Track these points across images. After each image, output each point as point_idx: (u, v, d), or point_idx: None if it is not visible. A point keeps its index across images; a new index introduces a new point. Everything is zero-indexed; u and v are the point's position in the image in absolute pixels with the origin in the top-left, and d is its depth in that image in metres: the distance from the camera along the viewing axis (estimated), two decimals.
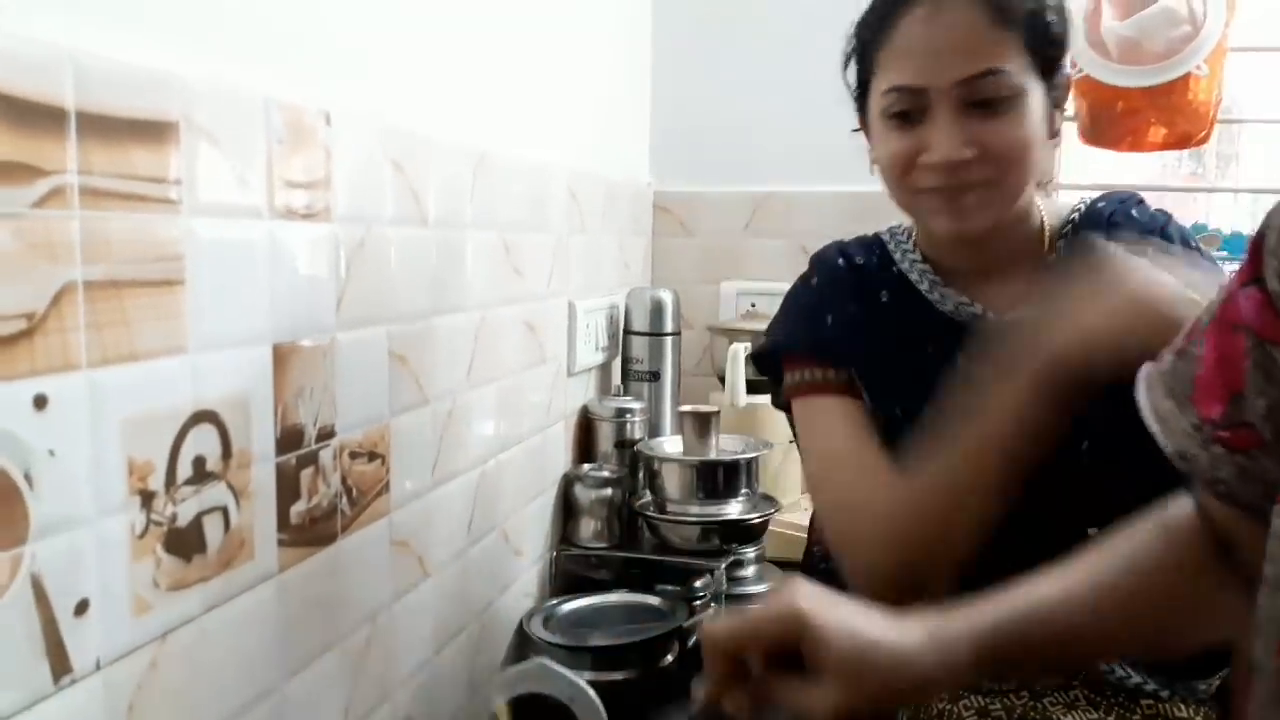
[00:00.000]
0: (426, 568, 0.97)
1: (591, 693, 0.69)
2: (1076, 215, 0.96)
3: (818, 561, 1.13)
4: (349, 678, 0.85)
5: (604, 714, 0.68)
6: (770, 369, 1.05)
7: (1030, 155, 0.87)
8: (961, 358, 0.91)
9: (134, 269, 0.60)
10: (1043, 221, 0.95)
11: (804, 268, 1.07)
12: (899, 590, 0.88)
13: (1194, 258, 0.90)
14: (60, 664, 0.56)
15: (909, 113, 0.87)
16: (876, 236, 1.05)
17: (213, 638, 0.68)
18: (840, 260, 1.03)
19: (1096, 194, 0.99)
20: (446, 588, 1.02)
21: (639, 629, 1.18)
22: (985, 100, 0.85)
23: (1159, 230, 0.93)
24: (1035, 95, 0.86)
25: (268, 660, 0.74)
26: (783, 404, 1.05)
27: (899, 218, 1.01)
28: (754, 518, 1.31)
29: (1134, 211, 0.95)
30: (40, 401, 0.54)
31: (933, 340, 0.95)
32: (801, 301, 1.04)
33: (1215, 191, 1.98)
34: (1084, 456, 0.88)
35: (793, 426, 1.06)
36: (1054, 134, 0.91)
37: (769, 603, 0.62)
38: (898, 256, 1.00)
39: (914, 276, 0.98)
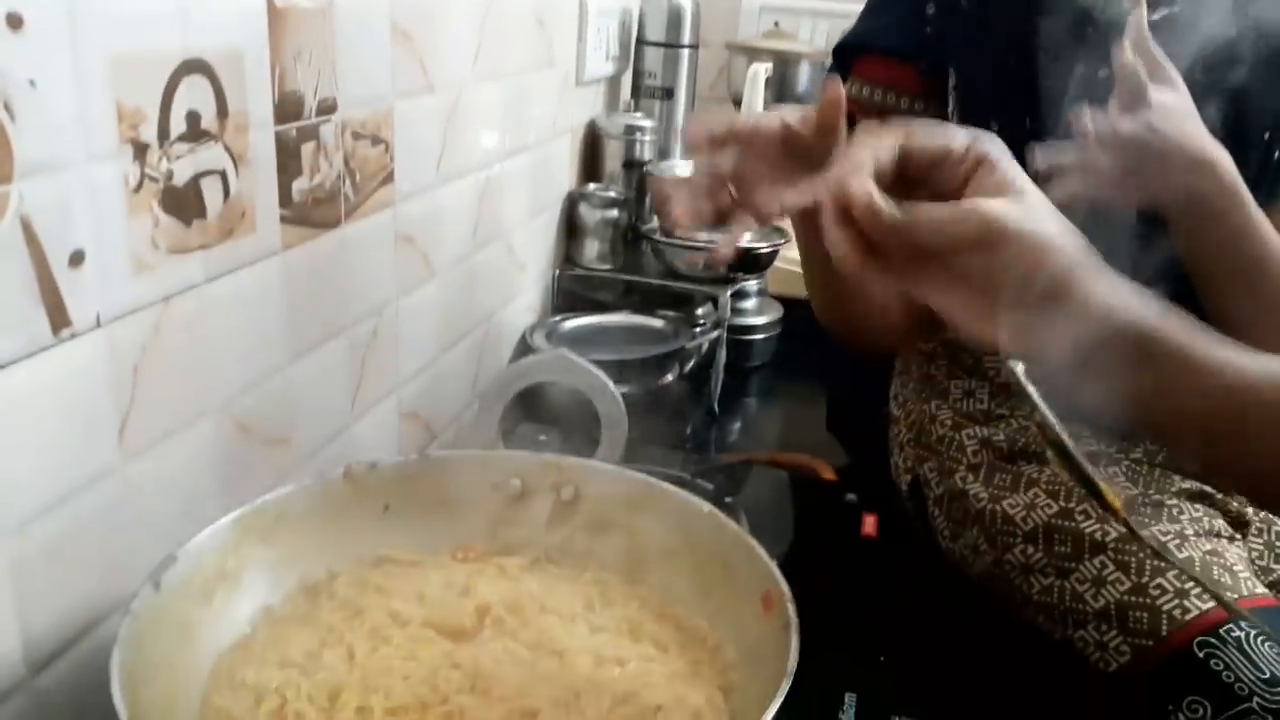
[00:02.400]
0: (432, 267, 0.94)
1: (611, 385, 0.68)
2: None
3: None
4: (355, 367, 0.83)
5: (623, 406, 0.67)
6: (843, 68, 0.93)
7: None
8: (1090, 64, 0.83)
9: None
10: None
11: None
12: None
13: None
14: (58, 315, 0.53)
15: None
16: None
17: (217, 309, 0.65)
18: None
19: None
20: (451, 291, 0.99)
21: (640, 349, 1.18)
22: None
23: None
24: None
25: (274, 339, 0.72)
26: None
27: None
28: (763, 247, 1.28)
29: None
30: (15, 21, 0.48)
31: (1057, 40, 0.83)
32: None
33: None
34: None
35: None
36: None
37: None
38: None
39: None
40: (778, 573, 0.56)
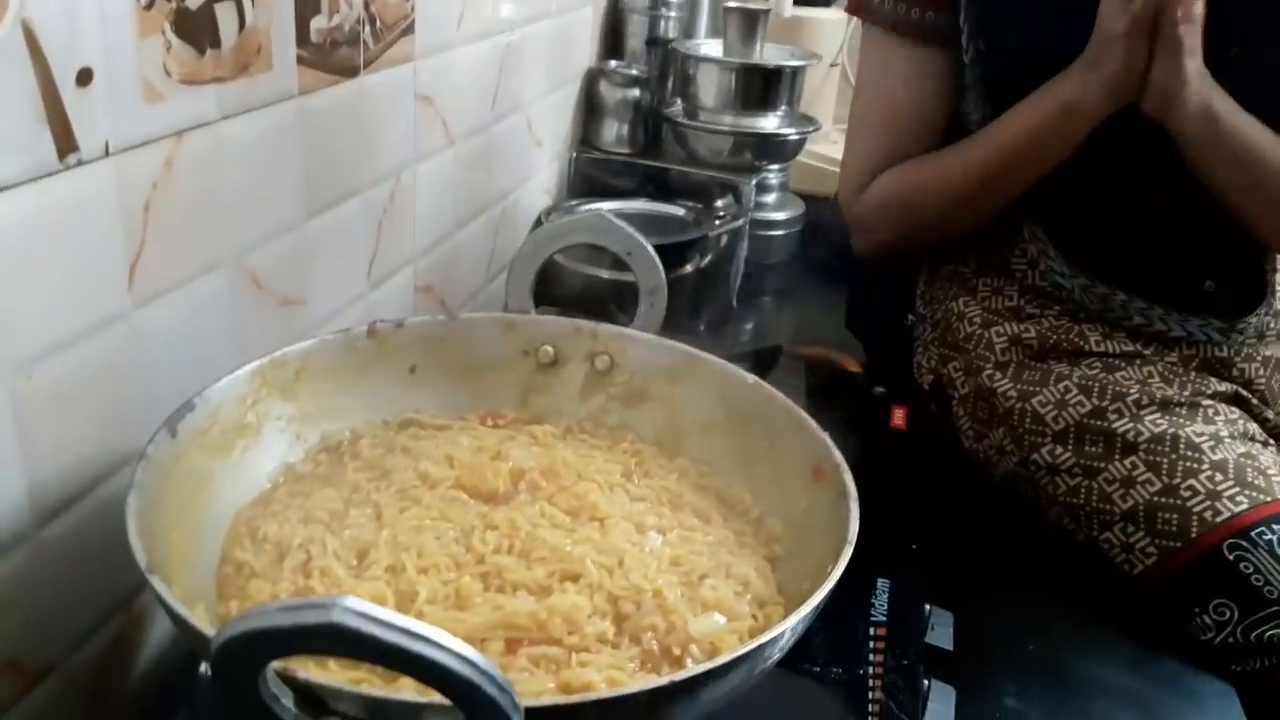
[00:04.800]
0: (450, 134, 0.89)
1: (651, 250, 0.64)
2: None
3: None
4: (372, 232, 0.79)
5: (663, 273, 0.64)
6: None
7: None
8: None
9: None
10: None
11: None
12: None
13: None
14: (65, 138, 0.49)
15: None
16: None
17: (232, 150, 0.60)
18: None
19: None
20: (468, 162, 0.94)
21: (660, 237, 1.13)
22: None
23: None
24: None
25: (290, 191, 0.67)
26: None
27: None
28: (792, 134, 1.23)
29: None
30: None
31: None
32: None
33: None
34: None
35: None
36: None
37: None
38: None
39: None
40: (831, 443, 0.53)
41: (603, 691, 0.38)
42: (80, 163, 0.50)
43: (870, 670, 0.61)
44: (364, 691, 0.34)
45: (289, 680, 0.34)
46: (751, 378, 0.60)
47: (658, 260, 0.63)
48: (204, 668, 0.49)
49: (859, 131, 0.95)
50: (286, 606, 0.30)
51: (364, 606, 0.29)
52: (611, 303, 0.98)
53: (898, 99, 0.90)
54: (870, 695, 0.59)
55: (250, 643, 0.30)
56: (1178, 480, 0.77)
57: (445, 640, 0.29)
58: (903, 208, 0.90)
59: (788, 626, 0.41)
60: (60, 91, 0.48)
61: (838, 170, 1.16)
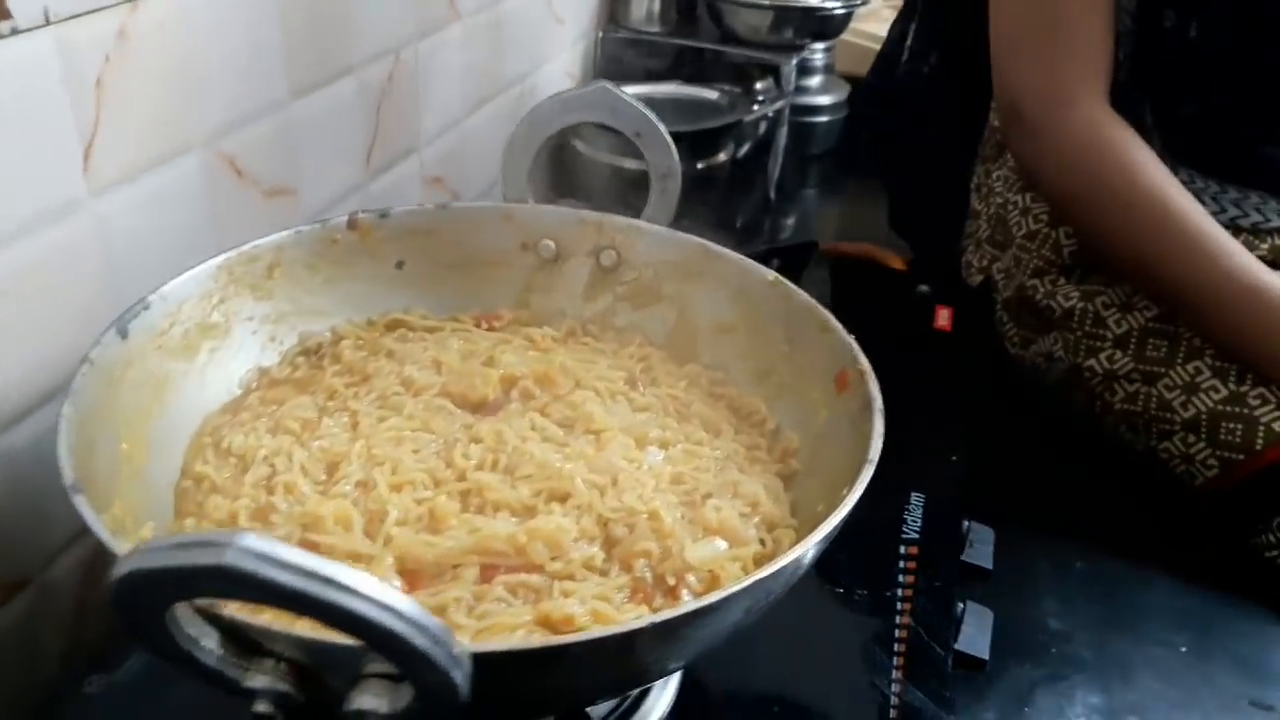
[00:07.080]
0: (456, 7, 0.82)
1: (664, 129, 0.57)
2: None
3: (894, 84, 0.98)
4: (370, 117, 0.73)
5: (675, 155, 0.57)
6: None
7: None
8: None
9: None
10: None
11: None
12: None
13: None
14: None
15: None
16: None
17: (198, 20, 0.55)
18: None
19: None
20: (478, 40, 0.87)
21: (692, 123, 1.05)
22: None
23: None
24: None
25: (270, 66, 0.61)
26: None
27: None
28: (837, 7, 1.12)
29: None
30: None
31: None
32: None
33: None
34: None
35: None
36: None
37: None
38: None
39: None
40: (857, 348, 0.47)
41: (566, 636, 0.34)
42: (15, 31, 0.44)
43: (899, 593, 0.56)
44: (296, 633, 0.30)
45: (214, 619, 0.30)
46: (771, 274, 0.54)
47: (670, 141, 0.57)
48: None
49: (1051, 24, 0.76)
50: (182, 543, 0.25)
51: (264, 545, 0.24)
52: (627, 196, 0.92)
53: None
54: (897, 620, 0.54)
55: (148, 582, 0.26)
56: (1245, 388, 0.70)
57: (360, 585, 0.24)
58: (1106, 191, 0.74)
59: (792, 558, 0.36)
60: None
61: None
